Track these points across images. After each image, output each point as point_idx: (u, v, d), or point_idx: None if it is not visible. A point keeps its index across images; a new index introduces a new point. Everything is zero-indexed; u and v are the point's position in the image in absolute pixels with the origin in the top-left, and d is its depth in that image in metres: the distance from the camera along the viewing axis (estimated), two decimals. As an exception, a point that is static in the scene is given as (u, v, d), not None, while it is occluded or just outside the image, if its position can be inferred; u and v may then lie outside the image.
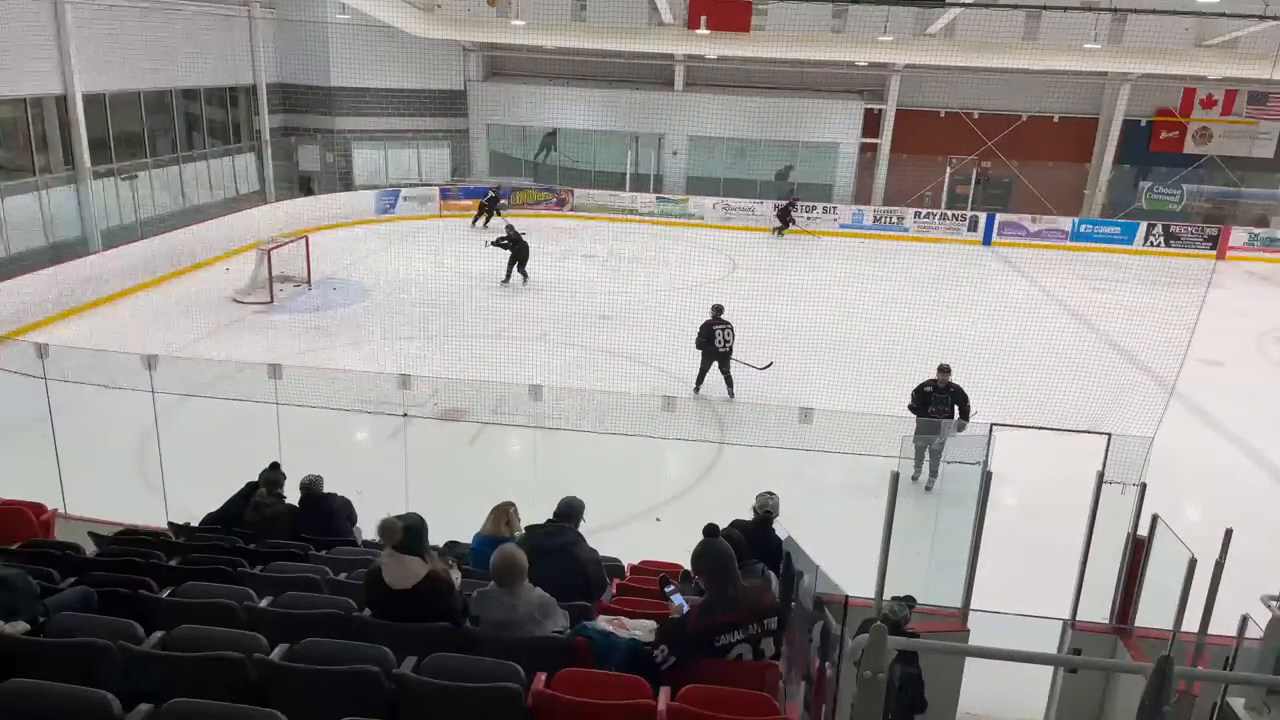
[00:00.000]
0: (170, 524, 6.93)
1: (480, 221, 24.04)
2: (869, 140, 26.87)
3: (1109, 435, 6.05)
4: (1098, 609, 6.08)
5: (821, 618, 4.39)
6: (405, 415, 9.55)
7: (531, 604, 4.23)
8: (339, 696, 3.42)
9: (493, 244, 18.75)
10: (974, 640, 5.75)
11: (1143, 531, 5.75)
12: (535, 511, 5.72)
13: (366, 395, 10.69)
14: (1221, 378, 14.62)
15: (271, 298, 16.99)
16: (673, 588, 4.83)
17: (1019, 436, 7.10)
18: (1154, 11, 18.77)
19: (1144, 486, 5.89)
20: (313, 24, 23.72)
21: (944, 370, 10.26)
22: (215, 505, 6.86)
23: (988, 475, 5.84)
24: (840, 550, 4.95)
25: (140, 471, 9.34)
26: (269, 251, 17.16)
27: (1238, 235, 25.10)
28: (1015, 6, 20.02)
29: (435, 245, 21.97)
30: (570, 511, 5.39)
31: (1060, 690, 6.07)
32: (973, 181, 26.12)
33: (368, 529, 6.65)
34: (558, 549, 5.07)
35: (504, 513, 5.98)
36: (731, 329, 12.54)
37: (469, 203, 25.49)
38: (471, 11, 23.92)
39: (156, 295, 17.37)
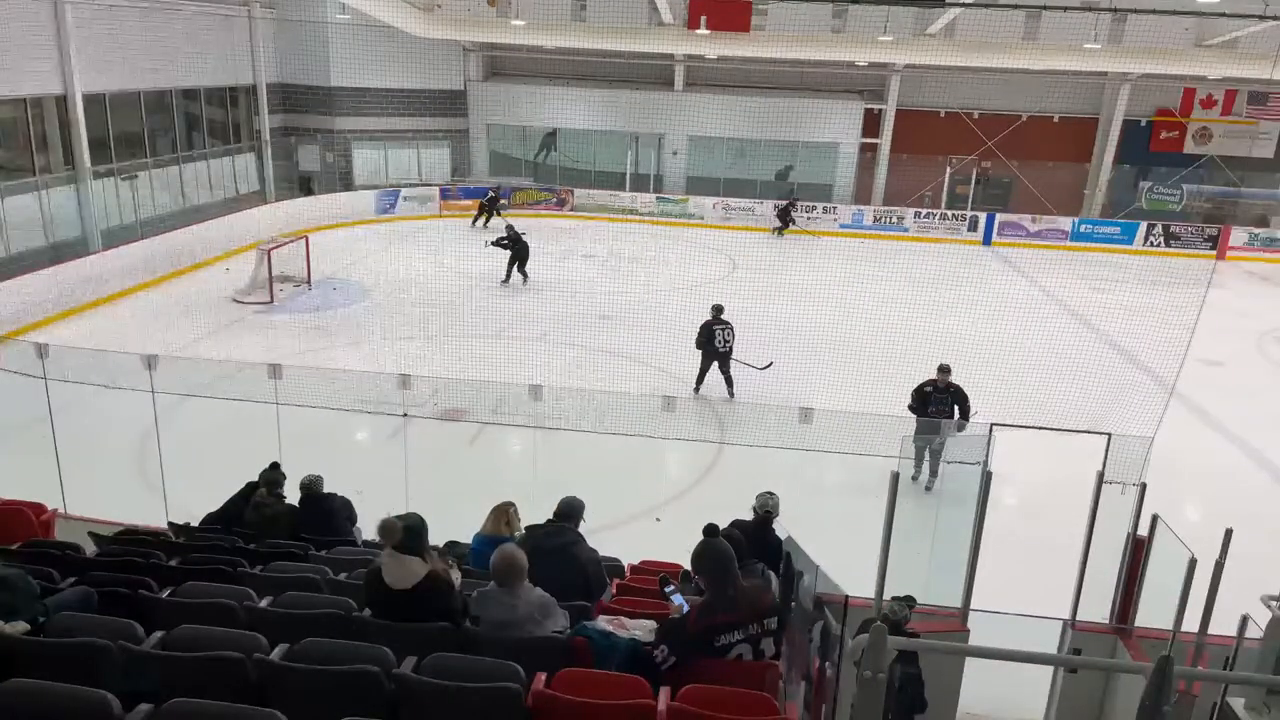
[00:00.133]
0: (170, 524, 6.93)
1: (480, 221, 24.04)
2: (869, 140, 26.87)
3: (1109, 435, 6.05)
4: (1098, 609, 6.08)
5: (821, 618, 4.39)
6: (405, 415, 9.55)
7: (531, 604, 4.23)
8: (339, 696, 3.42)
9: (492, 244, 18.75)
10: (974, 640, 5.75)
11: (1143, 531, 5.75)
12: (535, 511, 5.72)
13: (366, 395, 10.69)
14: (1221, 378, 14.62)
15: (271, 298, 16.99)
16: (673, 588, 4.83)
17: (1019, 436, 7.10)
18: (1154, 11, 18.77)
19: (1144, 486, 5.89)
20: (313, 24, 23.72)
21: (944, 370, 10.25)
22: (215, 505, 6.86)
23: (988, 475, 5.84)
24: (840, 550, 4.95)
25: (140, 471, 9.34)
26: (269, 251, 17.16)
27: (1238, 235, 25.10)
28: (1015, 6, 20.01)
29: (435, 245, 21.97)
30: (570, 511, 5.39)
31: (1060, 690, 6.07)
32: (973, 181, 26.13)
33: (368, 529, 6.65)
34: (558, 549, 5.07)
35: (504, 513, 5.98)
36: (731, 329, 12.54)
37: (469, 203, 25.49)
38: (471, 11, 23.92)
39: (156, 295, 17.37)
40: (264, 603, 4.55)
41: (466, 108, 27.29)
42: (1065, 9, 19.83)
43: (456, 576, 4.81)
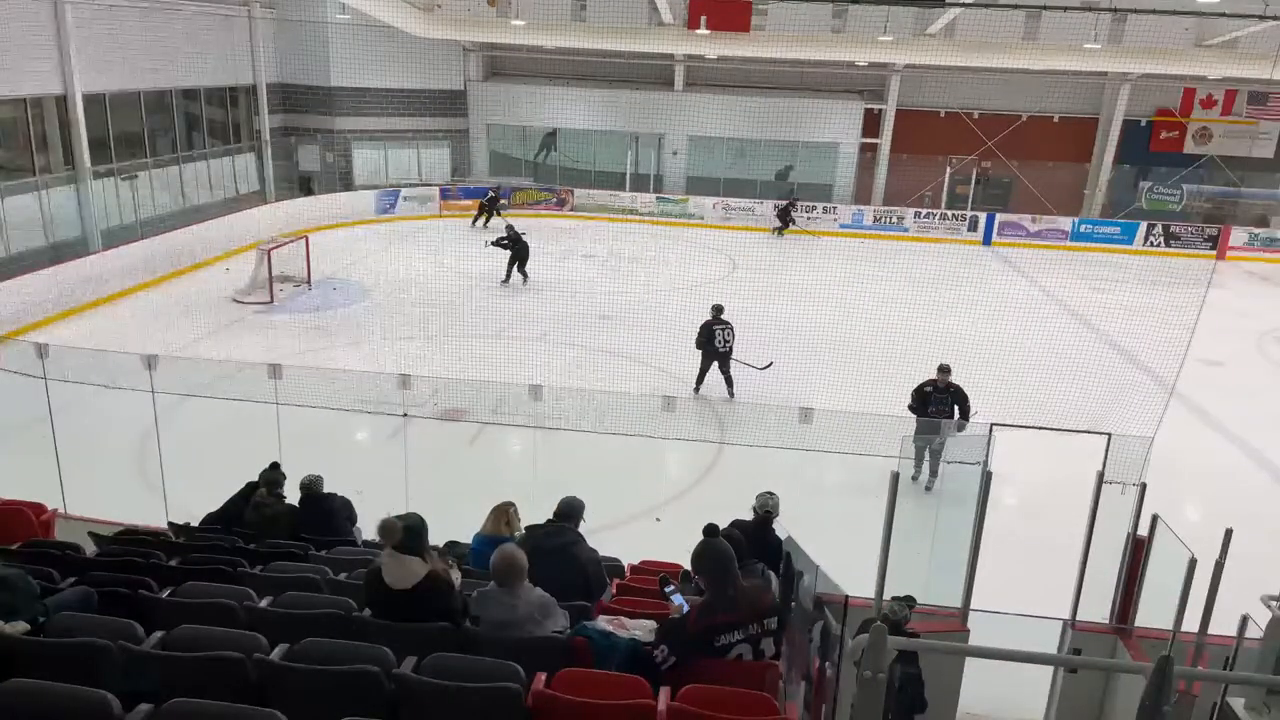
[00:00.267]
0: (170, 524, 6.93)
1: (480, 221, 24.03)
2: (869, 140, 26.87)
3: (1109, 435, 6.05)
4: (1098, 609, 6.08)
5: (821, 618, 4.39)
6: (405, 415, 9.55)
7: (531, 604, 4.23)
8: (339, 696, 3.42)
9: (492, 244, 18.75)
10: (974, 640, 5.74)
11: (1143, 531, 5.75)
12: (535, 511, 5.72)
13: (366, 395, 10.69)
14: (1221, 378, 14.62)
15: (271, 298, 16.99)
16: (673, 588, 4.83)
17: (1019, 436, 7.10)
18: (1154, 11, 18.76)
19: (1144, 486, 5.88)
20: (313, 24, 23.72)
21: (944, 370, 10.24)
22: (215, 505, 6.86)
23: (988, 475, 5.84)
24: (840, 550, 4.95)
25: (140, 471, 9.34)
26: (269, 251, 17.16)
27: (1238, 235, 25.10)
28: (1015, 6, 20.01)
29: (435, 245, 21.97)
30: (570, 511, 5.39)
31: (1060, 690, 6.07)
32: (973, 181, 26.12)
33: (368, 529, 6.65)
34: (558, 549, 5.07)
35: (504, 513, 5.98)
36: (731, 329, 12.54)
37: (469, 203, 25.49)
38: (471, 11, 23.92)
39: (156, 295, 17.37)
40: (264, 603, 4.55)
41: (466, 108, 27.28)
42: (1065, 9, 19.83)
43: (456, 576, 4.81)
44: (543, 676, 3.69)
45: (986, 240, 25.62)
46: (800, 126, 26.48)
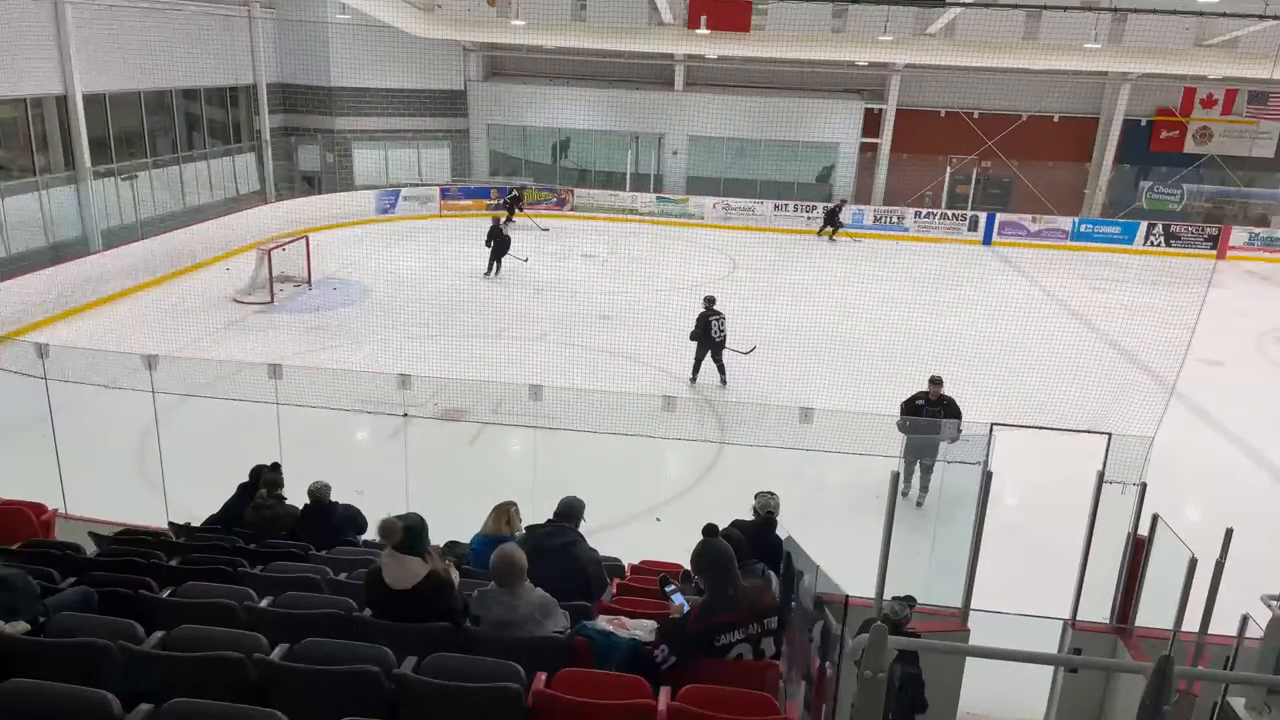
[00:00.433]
0: (170, 524, 6.93)
1: (504, 221, 23.64)
2: (869, 140, 26.86)
3: (1109, 435, 6.05)
4: (1098, 609, 6.08)
5: (822, 617, 4.39)
6: (405, 415, 9.55)
7: (532, 604, 4.23)
8: (339, 696, 3.42)
9: (489, 245, 18.86)
10: (974, 640, 5.74)
11: (1143, 531, 5.75)
12: (535, 511, 5.72)
13: (366, 395, 10.68)
14: (1221, 378, 14.62)
15: (272, 298, 16.99)
16: (673, 587, 4.82)
17: (1019, 436, 7.09)
18: (1154, 11, 18.74)
19: (1144, 486, 5.88)
20: (313, 24, 23.71)
21: (936, 382, 9.78)
22: (215, 505, 6.85)
23: (988, 475, 5.84)
24: (840, 550, 4.95)
25: (140, 471, 9.34)
26: (269, 251, 17.16)
27: (1238, 235, 25.09)
28: (1015, 6, 20.00)
29: (435, 245, 21.97)
30: (570, 511, 5.39)
31: (1060, 690, 6.07)
32: (973, 181, 26.11)
33: (368, 529, 6.64)
34: (558, 549, 5.07)
35: (505, 512, 5.97)
36: (724, 318, 12.89)
37: (469, 202, 25.47)
38: (471, 11, 23.90)
39: (156, 295, 17.37)
40: (264, 603, 4.55)
41: (466, 108, 27.27)
42: (1065, 9, 19.82)
43: (456, 576, 4.81)
44: (543, 676, 3.69)
45: (987, 240, 25.61)
46: (800, 126, 26.47)
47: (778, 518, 6.20)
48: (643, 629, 4.36)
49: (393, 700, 3.52)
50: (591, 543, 5.40)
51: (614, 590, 5.64)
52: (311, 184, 25.17)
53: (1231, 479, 10.99)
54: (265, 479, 6.64)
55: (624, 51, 24.95)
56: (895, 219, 26.07)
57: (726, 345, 12.95)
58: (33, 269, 15.64)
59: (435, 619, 4.24)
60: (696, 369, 13.03)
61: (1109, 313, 17.54)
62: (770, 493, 6.31)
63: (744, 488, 6.53)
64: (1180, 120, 26.23)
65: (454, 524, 6.19)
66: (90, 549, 5.88)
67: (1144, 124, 26.33)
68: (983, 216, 25.68)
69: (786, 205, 26.32)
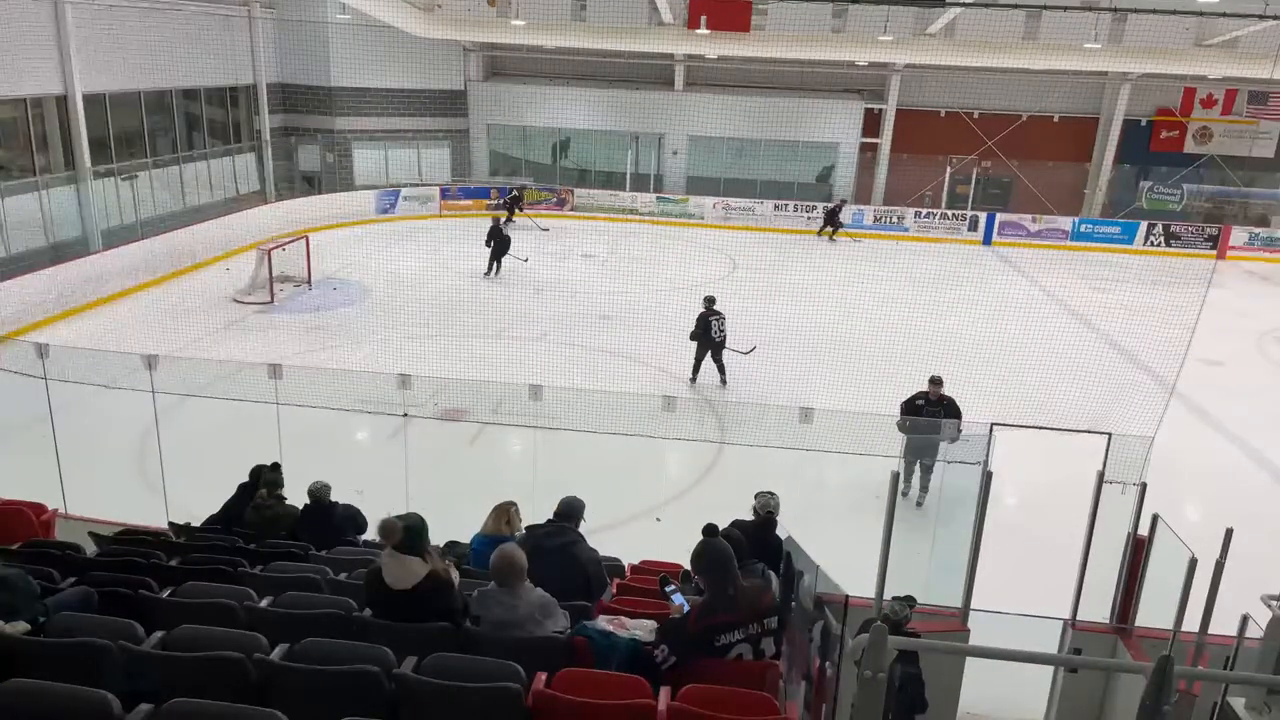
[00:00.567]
0: (170, 524, 6.92)
1: (504, 221, 23.61)
2: (869, 140, 26.87)
3: (1109, 435, 6.05)
4: (1098, 609, 6.08)
5: (822, 617, 4.39)
6: (405, 415, 9.54)
7: (532, 604, 4.23)
8: (339, 696, 3.42)
9: (489, 245, 18.87)
10: (974, 640, 5.74)
11: (1143, 531, 5.75)
12: (535, 511, 5.72)
13: (366, 395, 10.67)
14: (1221, 378, 14.62)
15: (272, 298, 16.99)
16: (673, 587, 4.82)
17: (1019, 436, 7.09)
18: (1154, 11, 18.74)
19: (1144, 486, 5.88)
20: (313, 24, 23.71)
21: (936, 382, 9.75)
22: (215, 505, 6.85)
23: (988, 475, 5.84)
24: (840, 550, 4.95)
25: (140, 471, 9.34)
26: (269, 251, 17.16)
27: (1238, 235, 25.08)
28: (1015, 6, 20.00)
29: (435, 245, 21.97)
30: (570, 511, 5.39)
31: (1060, 690, 6.07)
32: (973, 181, 26.11)
33: (368, 529, 6.64)
34: (558, 549, 5.07)
35: (505, 512, 5.97)
36: (724, 318, 12.90)
37: (469, 202, 25.46)
38: (471, 11, 23.90)
39: (156, 295, 17.37)
40: (264, 603, 4.55)
41: (466, 108, 27.27)
42: (1065, 9, 19.82)
43: (456, 576, 4.81)
44: (543, 676, 3.69)
45: (987, 240, 25.61)
46: (800, 126, 26.47)
47: (778, 518, 6.20)
48: (643, 629, 4.36)
49: (393, 700, 3.52)
50: (591, 543, 5.40)
51: (614, 590, 5.64)
52: (311, 184, 25.18)
53: (1231, 479, 10.99)
54: (265, 479, 6.64)
55: (624, 51, 24.95)
56: (895, 219, 26.06)
57: (726, 345, 12.97)
58: (33, 269, 15.64)
59: (435, 619, 4.24)
60: (696, 369, 13.05)
61: (1109, 313, 17.53)
62: (770, 493, 6.31)
63: (744, 488, 6.53)
64: (1180, 120, 26.22)
65: (454, 524, 6.19)
66: (90, 549, 5.88)
67: (1144, 124, 26.33)
68: (983, 216, 25.68)
69: (786, 205, 26.33)
